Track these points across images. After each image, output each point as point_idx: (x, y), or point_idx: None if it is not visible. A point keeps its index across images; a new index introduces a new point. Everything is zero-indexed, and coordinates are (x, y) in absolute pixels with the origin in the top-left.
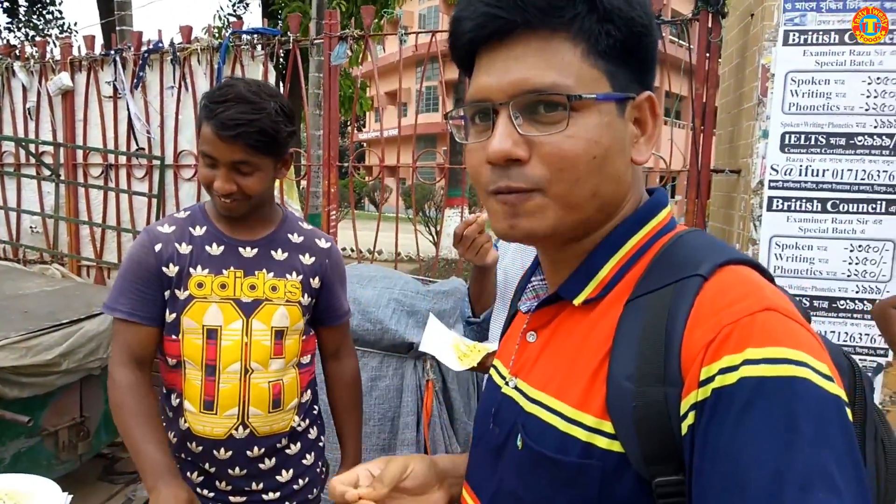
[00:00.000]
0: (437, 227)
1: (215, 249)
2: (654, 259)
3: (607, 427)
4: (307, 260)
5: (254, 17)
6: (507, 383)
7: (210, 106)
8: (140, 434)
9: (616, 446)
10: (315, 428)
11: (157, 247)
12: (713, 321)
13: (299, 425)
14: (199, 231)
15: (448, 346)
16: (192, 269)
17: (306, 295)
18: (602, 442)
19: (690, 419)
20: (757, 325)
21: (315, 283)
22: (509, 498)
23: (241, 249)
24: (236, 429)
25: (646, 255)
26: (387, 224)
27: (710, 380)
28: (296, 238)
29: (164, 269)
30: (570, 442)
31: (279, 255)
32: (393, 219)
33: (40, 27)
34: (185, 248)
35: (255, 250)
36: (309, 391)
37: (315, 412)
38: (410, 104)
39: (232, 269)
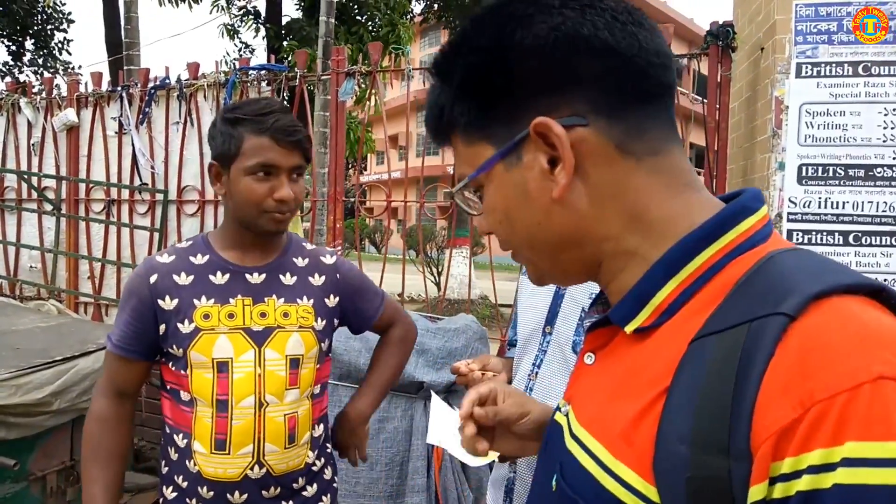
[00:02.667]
0: (439, 267)
1: (219, 278)
2: (736, 286)
3: (652, 494)
4: (317, 281)
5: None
6: (559, 409)
7: (258, 119)
8: (93, 472)
9: None
10: (329, 468)
11: (153, 278)
12: (801, 390)
13: (314, 463)
14: (200, 260)
15: (456, 432)
16: (195, 301)
17: (320, 319)
18: None
19: None
20: (862, 404)
21: (331, 301)
22: None
23: (248, 276)
24: (251, 468)
25: (717, 278)
26: (389, 265)
27: (794, 476)
28: (301, 262)
29: (160, 301)
30: (606, 497)
31: (288, 279)
32: (394, 260)
33: (47, 66)
34: (184, 279)
35: (263, 276)
36: (321, 425)
37: (328, 450)
38: (410, 148)
39: (239, 297)
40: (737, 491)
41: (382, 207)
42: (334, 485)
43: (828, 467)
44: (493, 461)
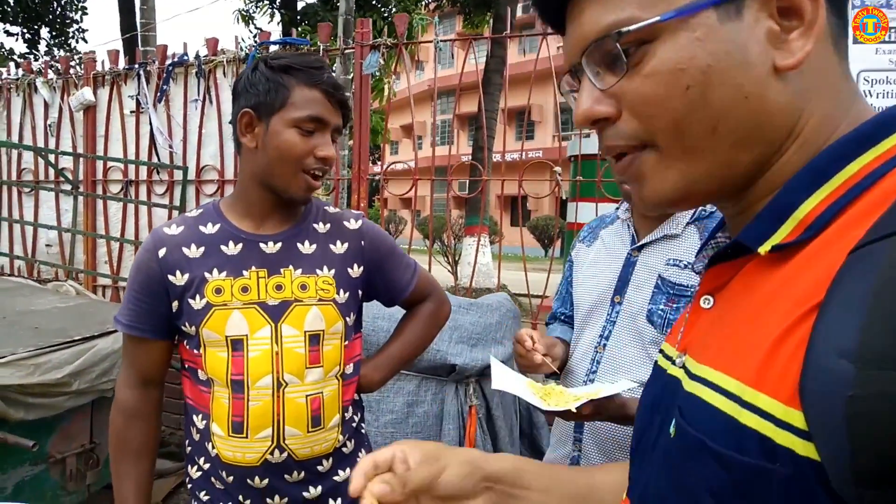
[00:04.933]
0: (455, 256)
1: (232, 248)
2: None
3: (796, 419)
4: (339, 249)
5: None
6: (673, 363)
7: (312, 71)
8: (123, 470)
9: (809, 450)
10: (363, 451)
11: (162, 252)
12: None
13: (345, 445)
14: (210, 229)
15: (522, 384)
16: (207, 274)
17: (342, 291)
18: (787, 439)
19: None
20: None
21: (355, 272)
22: (655, 501)
23: (262, 245)
24: (271, 453)
25: (877, 187)
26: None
27: None
28: (322, 227)
29: (171, 276)
30: (744, 433)
31: (307, 247)
32: (415, 251)
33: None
34: (195, 251)
35: (279, 245)
36: (353, 408)
37: (363, 432)
38: (425, 137)
39: (253, 268)
40: None
41: (398, 197)
42: None
43: None
44: (570, 410)
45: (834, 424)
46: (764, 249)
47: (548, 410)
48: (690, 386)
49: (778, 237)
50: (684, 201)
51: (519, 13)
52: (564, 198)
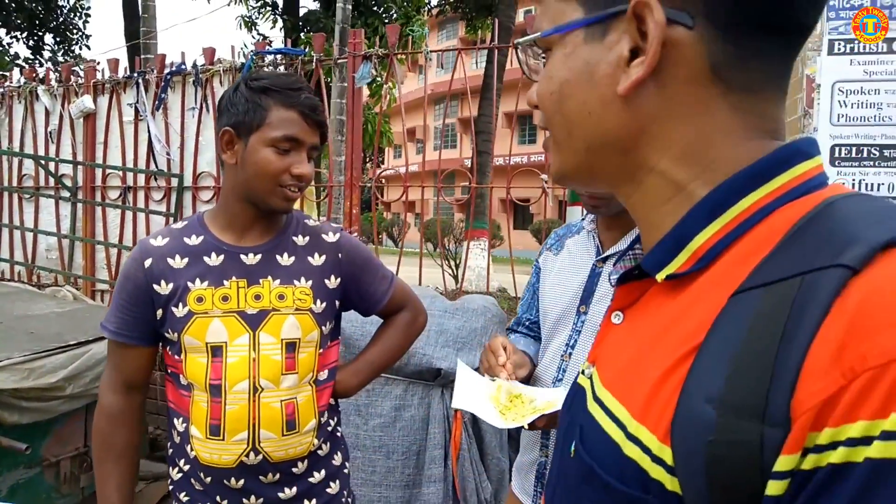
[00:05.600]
0: (456, 260)
1: (214, 259)
2: (788, 234)
3: (667, 455)
4: (317, 261)
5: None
6: (583, 371)
7: (289, 92)
8: (106, 470)
9: (675, 485)
10: (339, 454)
11: (148, 262)
12: (853, 355)
13: (320, 448)
14: (194, 241)
15: (485, 397)
16: (189, 284)
17: (319, 301)
18: (659, 473)
19: (778, 488)
20: None
21: (332, 283)
22: None
23: (242, 257)
24: (246, 455)
25: (765, 224)
26: (406, 258)
27: (830, 447)
28: (301, 240)
29: (156, 286)
30: (626, 464)
31: (285, 259)
32: (410, 253)
33: (66, 61)
34: (179, 262)
35: (259, 256)
36: (328, 413)
37: (338, 435)
38: (427, 141)
39: (234, 279)
40: (766, 458)
41: (399, 202)
42: (345, 471)
43: (866, 440)
44: (523, 427)
45: (695, 464)
46: (660, 277)
47: (505, 427)
48: (592, 407)
49: (673, 266)
50: (568, 182)
51: (520, 18)
52: (551, 203)
